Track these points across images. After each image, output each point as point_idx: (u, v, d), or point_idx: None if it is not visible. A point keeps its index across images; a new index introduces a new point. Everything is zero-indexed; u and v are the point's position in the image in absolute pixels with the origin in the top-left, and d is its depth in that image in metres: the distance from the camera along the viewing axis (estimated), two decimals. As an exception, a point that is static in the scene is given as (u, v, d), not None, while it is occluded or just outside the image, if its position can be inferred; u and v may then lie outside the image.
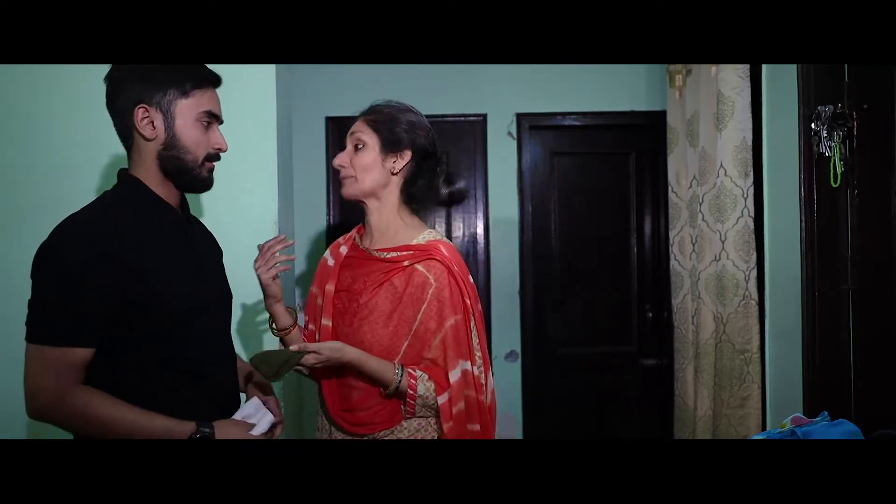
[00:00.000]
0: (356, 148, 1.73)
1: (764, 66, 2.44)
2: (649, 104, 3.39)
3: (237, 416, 1.45)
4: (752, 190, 2.44)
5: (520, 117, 3.45)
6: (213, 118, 1.51)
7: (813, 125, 2.20)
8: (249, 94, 1.93)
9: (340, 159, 1.73)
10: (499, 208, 3.46)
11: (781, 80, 2.36)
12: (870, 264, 2.22)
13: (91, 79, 1.54)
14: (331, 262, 1.79)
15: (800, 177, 2.26)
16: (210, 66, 1.48)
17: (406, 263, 1.65)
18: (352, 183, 1.72)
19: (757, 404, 2.40)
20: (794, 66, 2.28)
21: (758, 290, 2.43)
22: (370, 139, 1.72)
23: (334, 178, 3.48)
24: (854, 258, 2.22)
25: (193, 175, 1.49)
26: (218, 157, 1.54)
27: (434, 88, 3.44)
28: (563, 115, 3.46)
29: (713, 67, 2.51)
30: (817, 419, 1.32)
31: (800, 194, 2.26)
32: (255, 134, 1.93)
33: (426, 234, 1.73)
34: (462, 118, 3.48)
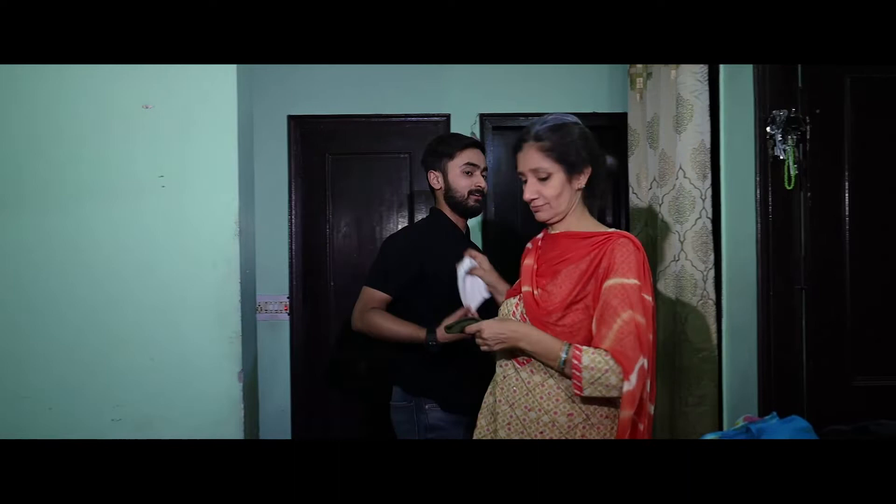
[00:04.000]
0: (540, 179, 1.78)
1: (721, 71, 2.48)
2: (611, 106, 3.43)
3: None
4: (710, 192, 2.48)
5: (483, 118, 3.46)
6: (473, 167, 2.30)
7: (768, 129, 2.25)
8: (210, 92, 1.90)
9: (530, 193, 1.80)
10: (462, 208, 3.46)
11: (738, 85, 2.41)
12: (822, 264, 2.28)
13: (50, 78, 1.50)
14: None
15: (755, 179, 2.31)
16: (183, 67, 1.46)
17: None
18: (547, 209, 1.80)
19: (714, 402, 2.45)
20: (751, 71, 2.33)
21: (715, 289, 2.48)
22: (553, 168, 1.75)
23: (297, 175, 3.46)
24: (807, 259, 2.27)
25: (464, 206, 2.31)
26: (482, 193, 2.32)
27: (398, 88, 3.44)
28: (527, 115, 3.48)
29: (672, 71, 2.55)
30: (767, 417, 1.35)
31: (755, 196, 2.31)
32: (215, 132, 1.90)
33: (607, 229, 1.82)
34: (426, 118, 3.48)
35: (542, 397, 1.68)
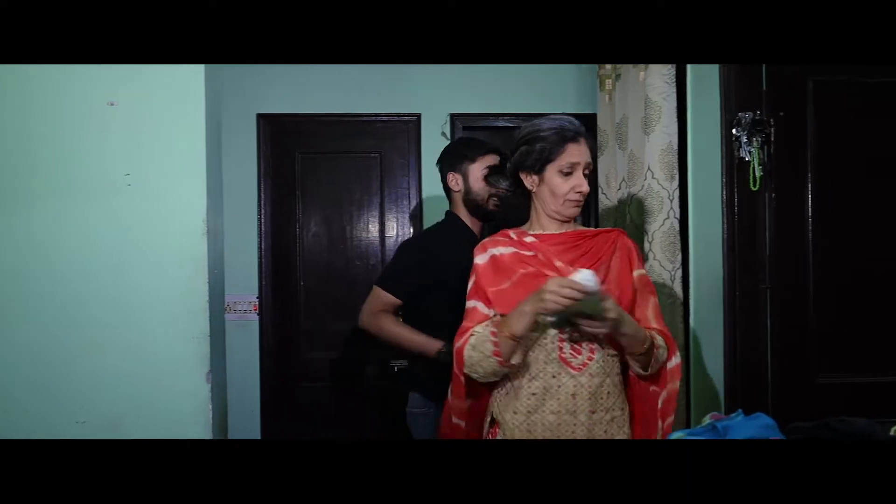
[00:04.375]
0: (584, 175, 1.80)
1: (689, 74, 2.52)
2: (580, 107, 3.45)
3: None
4: (677, 192, 2.52)
5: (453, 117, 3.46)
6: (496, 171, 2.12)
7: (734, 131, 2.29)
8: (177, 89, 1.87)
9: (586, 186, 1.79)
10: (432, 208, 3.46)
11: (705, 87, 2.45)
12: (786, 264, 2.32)
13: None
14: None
15: (722, 180, 2.35)
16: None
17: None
18: (581, 206, 1.82)
19: (681, 401, 2.48)
20: (717, 74, 2.36)
21: (683, 289, 2.51)
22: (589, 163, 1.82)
23: (266, 174, 3.43)
24: (772, 258, 2.32)
25: (484, 209, 2.34)
26: (499, 199, 2.32)
27: (368, 87, 3.43)
28: (497, 116, 3.49)
29: (641, 73, 2.58)
30: (733, 415, 1.37)
31: (722, 197, 2.35)
32: (183, 130, 1.88)
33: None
34: (396, 118, 3.47)
35: (604, 397, 1.72)
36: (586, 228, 1.90)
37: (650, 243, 2.52)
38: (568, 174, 1.77)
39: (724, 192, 2.34)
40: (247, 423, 3.36)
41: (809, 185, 2.32)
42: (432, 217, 3.44)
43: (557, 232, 1.84)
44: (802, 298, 2.32)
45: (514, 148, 1.87)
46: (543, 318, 1.65)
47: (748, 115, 2.27)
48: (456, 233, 2.36)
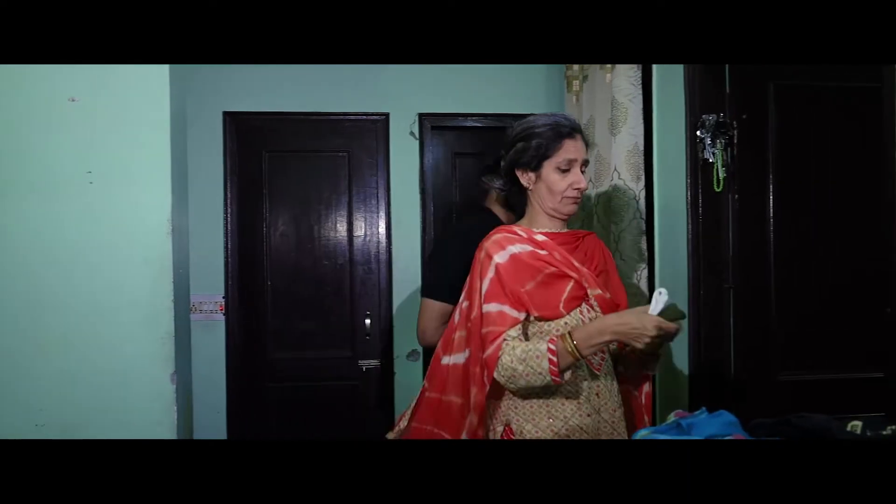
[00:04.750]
0: (581, 172, 1.79)
1: (654, 76, 2.55)
2: (548, 108, 3.48)
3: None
4: (643, 193, 2.55)
5: (422, 117, 3.46)
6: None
7: (698, 133, 2.32)
8: (141, 85, 1.85)
9: (584, 182, 1.77)
10: (401, 208, 3.46)
11: (670, 89, 2.48)
12: (748, 264, 2.37)
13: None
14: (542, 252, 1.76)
15: (686, 181, 2.38)
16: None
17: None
18: (578, 203, 1.80)
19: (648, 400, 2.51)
20: (682, 76, 2.39)
21: (648, 289, 2.54)
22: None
23: (232, 173, 3.39)
24: (735, 258, 2.36)
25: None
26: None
27: (337, 86, 3.41)
28: (465, 116, 3.50)
29: (608, 75, 2.60)
30: (697, 413, 1.39)
31: (686, 198, 2.38)
32: (146, 127, 1.85)
33: None
34: (364, 117, 3.46)
35: (616, 394, 1.77)
36: (573, 229, 1.91)
37: (616, 243, 2.55)
38: (565, 171, 1.75)
39: (689, 193, 2.37)
40: (213, 424, 3.32)
41: (771, 186, 2.36)
42: (401, 217, 3.44)
43: (558, 231, 1.82)
44: (764, 298, 2.36)
45: (509, 145, 1.84)
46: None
47: (712, 118, 2.30)
48: (492, 228, 2.30)
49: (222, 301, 3.38)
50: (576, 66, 2.93)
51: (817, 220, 2.39)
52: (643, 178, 2.55)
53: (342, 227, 3.47)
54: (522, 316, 1.69)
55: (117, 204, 1.85)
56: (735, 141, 2.33)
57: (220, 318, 3.38)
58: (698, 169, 2.35)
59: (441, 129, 3.51)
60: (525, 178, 1.81)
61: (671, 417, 1.46)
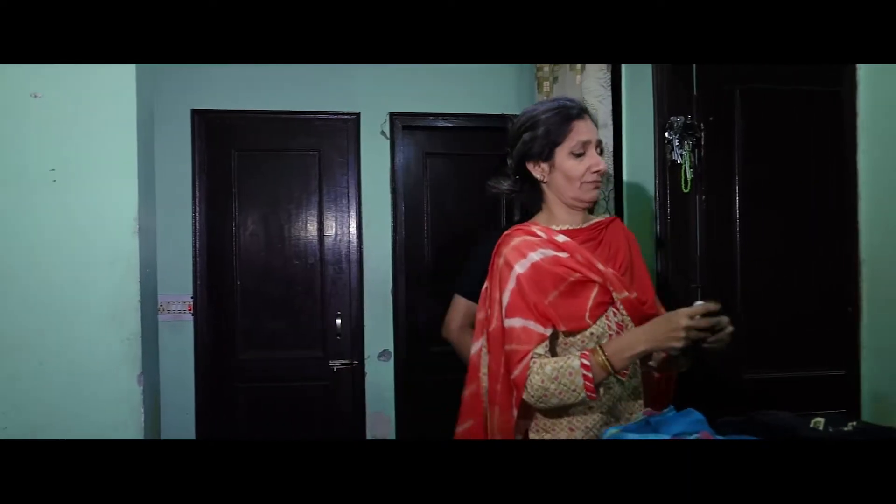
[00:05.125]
0: (599, 154, 1.64)
1: (623, 78, 2.58)
2: (519, 108, 3.46)
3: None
4: (612, 193, 2.57)
5: (393, 117, 3.46)
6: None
7: (666, 134, 2.36)
8: (107, 81, 1.82)
9: (601, 163, 1.61)
10: (372, 207, 3.45)
11: (638, 91, 2.51)
12: (715, 264, 2.40)
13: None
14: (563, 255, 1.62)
15: (654, 182, 2.41)
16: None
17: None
18: (599, 186, 1.64)
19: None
20: (650, 78, 2.43)
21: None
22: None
23: (201, 172, 3.35)
24: (702, 258, 2.39)
25: None
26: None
27: (307, 85, 3.39)
28: (436, 116, 3.50)
29: (577, 76, 2.62)
30: (665, 411, 1.41)
31: (655, 198, 2.41)
32: (112, 124, 1.82)
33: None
34: (335, 116, 3.45)
35: (641, 395, 1.69)
36: (597, 217, 1.73)
37: (586, 243, 2.57)
38: (580, 155, 1.59)
39: (657, 194, 2.40)
40: (181, 426, 3.28)
41: (737, 187, 2.40)
42: (372, 216, 3.44)
43: (579, 226, 1.67)
44: (730, 297, 2.40)
45: (514, 139, 1.67)
46: (665, 353, 1.51)
47: (680, 120, 2.34)
48: None
49: (191, 301, 3.34)
50: (546, 68, 2.95)
51: (782, 221, 2.44)
52: (613, 178, 2.58)
53: (312, 227, 3.45)
54: (548, 332, 1.56)
55: (82, 202, 1.81)
56: (702, 143, 2.36)
57: (189, 318, 3.34)
58: (666, 170, 2.38)
59: (412, 129, 3.51)
60: (538, 171, 1.64)
61: (640, 415, 1.48)
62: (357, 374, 3.42)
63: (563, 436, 1.59)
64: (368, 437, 3.36)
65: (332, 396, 3.42)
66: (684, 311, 1.41)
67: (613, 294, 1.59)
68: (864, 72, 1.48)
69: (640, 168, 2.52)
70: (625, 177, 2.60)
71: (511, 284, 1.57)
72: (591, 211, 1.73)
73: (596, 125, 1.66)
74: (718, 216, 2.40)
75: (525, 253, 1.59)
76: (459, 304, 2.18)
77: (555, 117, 1.60)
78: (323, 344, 3.43)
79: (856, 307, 1.69)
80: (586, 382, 1.47)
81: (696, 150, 2.36)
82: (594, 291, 1.58)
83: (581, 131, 1.59)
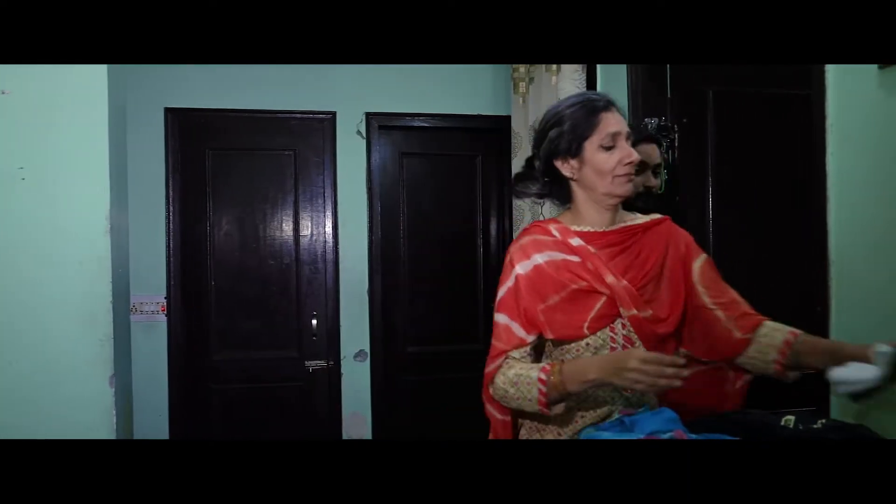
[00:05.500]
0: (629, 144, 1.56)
1: (599, 79, 2.60)
2: (495, 109, 3.51)
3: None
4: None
5: (369, 116, 3.45)
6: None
7: (641, 135, 2.38)
8: (77, 78, 1.79)
9: (637, 156, 1.53)
10: (348, 207, 3.44)
11: (613, 93, 2.52)
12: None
13: None
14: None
15: (629, 183, 2.43)
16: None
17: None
18: (633, 179, 1.55)
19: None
20: (625, 80, 2.45)
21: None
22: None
23: (174, 171, 3.32)
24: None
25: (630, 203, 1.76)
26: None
27: (283, 84, 3.37)
28: (413, 115, 3.50)
29: (553, 77, 2.64)
30: (640, 410, 1.42)
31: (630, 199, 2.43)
32: (83, 123, 1.79)
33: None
34: (311, 115, 3.43)
35: (652, 395, 1.58)
36: (636, 218, 1.63)
37: (562, 243, 2.59)
38: (611, 147, 1.50)
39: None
40: (154, 428, 3.24)
41: (710, 188, 2.43)
42: (348, 216, 3.42)
43: (606, 228, 1.57)
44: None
45: (540, 137, 1.60)
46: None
47: (654, 121, 2.36)
48: None
49: (164, 301, 3.30)
50: (522, 68, 2.96)
51: (754, 221, 2.47)
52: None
53: (288, 227, 3.43)
54: (531, 338, 1.52)
55: (52, 201, 1.79)
56: (676, 144, 2.39)
57: (162, 318, 3.31)
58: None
59: (388, 129, 3.50)
60: (567, 168, 1.55)
61: (615, 415, 1.49)
62: (333, 375, 3.41)
63: (551, 435, 1.56)
64: (345, 437, 3.35)
65: (307, 397, 3.41)
66: (638, 354, 1.35)
67: (621, 310, 1.51)
68: (832, 75, 1.51)
69: (614, 169, 2.53)
70: (600, 177, 2.61)
71: (509, 282, 1.56)
72: (643, 210, 1.67)
73: (624, 116, 1.57)
74: (692, 216, 2.43)
75: (530, 254, 1.55)
76: None
77: (581, 111, 1.53)
78: (298, 344, 3.41)
79: (825, 307, 1.71)
80: (540, 396, 1.43)
81: (671, 152, 2.38)
82: (600, 302, 1.51)
83: (610, 123, 1.51)
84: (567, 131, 1.52)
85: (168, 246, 3.32)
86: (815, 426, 1.35)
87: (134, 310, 3.22)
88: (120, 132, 1.94)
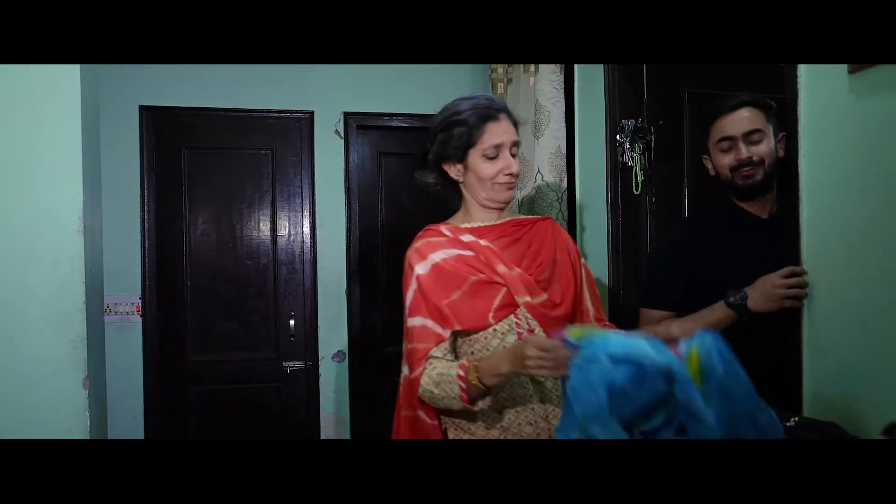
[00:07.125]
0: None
1: (576, 81, 2.61)
2: (473, 109, 3.51)
3: None
4: (565, 194, 2.61)
5: (347, 116, 3.44)
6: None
7: (618, 137, 2.40)
8: (49, 75, 1.76)
9: (517, 168, 1.64)
10: (325, 207, 3.43)
11: (591, 95, 2.55)
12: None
13: None
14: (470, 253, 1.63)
15: (606, 184, 2.45)
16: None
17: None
18: (513, 187, 1.67)
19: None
20: (602, 82, 2.46)
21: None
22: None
23: (149, 170, 3.28)
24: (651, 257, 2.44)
25: (734, 185, 1.89)
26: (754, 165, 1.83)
27: (260, 82, 3.35)
28: (391, 115, 3.50)
29: (531, 78, 2.65)
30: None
31: (606, 199, 2.45)
32: (55, 120, 1.77)
33: None
34: (289, 114, 3.41)
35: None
36: (523, 217, 1.76)
37: (540, 243, 2.60)
38: (493, 158, 1.61)
39: (609, 195, 2.44)
40: (130, 430, 3.21)
41: (686, 189, 2.46)
42: (326, 216, 3.41)
43: (495, 222, 1.69)
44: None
45: (432, 138, 1.71)
46: None
47: (631, 123, 2.38)
48: (726, 218, 1.95)
49: (139, 302, 3.27)
50: (500, 69, 2.97)
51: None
52: (566, 179, 2.61)
53: (265, 227, 3.41)
54: (447, 333, 1.58)
55: (23, 200, 1.76)
56: (652, 145, 2.41)
57: (137, 319, 3.27)
58: (618, 172, 2.42)
59: (366, 129, 3.49)
60: (453, 171, 1.68)
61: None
62: (311, 376, 3.40)
63: (479, 434, 1.60)
64: (323, 437, 3.33)
65: (285, 398, 3.39)
66: (535, 341, 1.37)
67: (516, 298, 1.59)
68: (804, 79, 1.53)
69: (592, 170, 2.55)
70: (577, 178, 2.64)
71: (413, 285, 1.62)
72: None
73: (516, 125, 1.67)
74: (667, 216, 2.45)
75: (425, 255, 1.63)
76: (645, 315, 1.97)
77: (470, 118, 1.62)
78: (276, 345, 3.39)
79: (798, 309, 1.74)
80: (461, 393, 1.48)
81: (647, 153, 2.40)
82: (501, 292, 1.59)
83: (494, 134, 1.61)
84: (455, 137, 1.63)
85: (143, 246, 3.28)
86: (787, 423, 1.36)
87: (108, 310, 3.18)
88: (93, 130, 1.92)
